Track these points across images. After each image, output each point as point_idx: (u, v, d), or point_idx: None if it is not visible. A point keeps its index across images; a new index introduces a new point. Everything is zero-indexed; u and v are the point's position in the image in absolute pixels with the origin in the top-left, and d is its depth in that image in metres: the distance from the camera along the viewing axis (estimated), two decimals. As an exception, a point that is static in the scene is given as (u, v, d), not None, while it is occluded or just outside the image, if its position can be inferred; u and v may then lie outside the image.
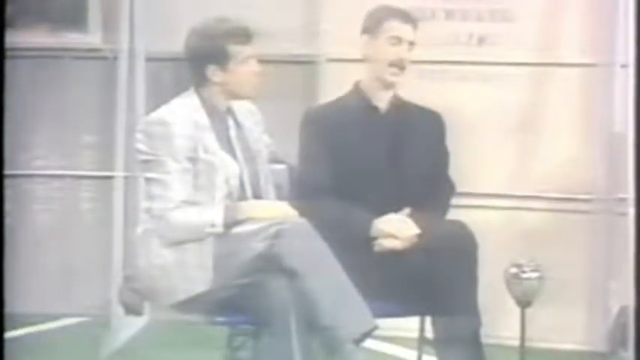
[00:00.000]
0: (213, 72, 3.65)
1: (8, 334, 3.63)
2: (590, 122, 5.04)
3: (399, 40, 3.94)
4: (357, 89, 4.03)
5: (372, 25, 3.99)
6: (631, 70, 4.56)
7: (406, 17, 3.98)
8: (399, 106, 4.04)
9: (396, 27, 3.95)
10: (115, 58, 5.25)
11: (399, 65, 3.95)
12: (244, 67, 3.67)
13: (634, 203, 4.00)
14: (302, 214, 3.57)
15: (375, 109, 4.00)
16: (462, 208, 4.12)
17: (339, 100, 4.05)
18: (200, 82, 3.69)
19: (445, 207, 4.01)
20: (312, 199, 3.76)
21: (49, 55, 5.55)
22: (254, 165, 3.74)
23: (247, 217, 3.55)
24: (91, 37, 5.56)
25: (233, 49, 3.64)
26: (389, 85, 3.99)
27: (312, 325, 3.44)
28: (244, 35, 3.67)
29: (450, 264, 3.70)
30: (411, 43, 3.97)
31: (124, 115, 5.11)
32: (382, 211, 3.83)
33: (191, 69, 3.69)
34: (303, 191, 3.83)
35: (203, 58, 3.65)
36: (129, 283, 3.69)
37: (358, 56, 4.03)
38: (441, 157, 4.06)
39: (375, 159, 3.90)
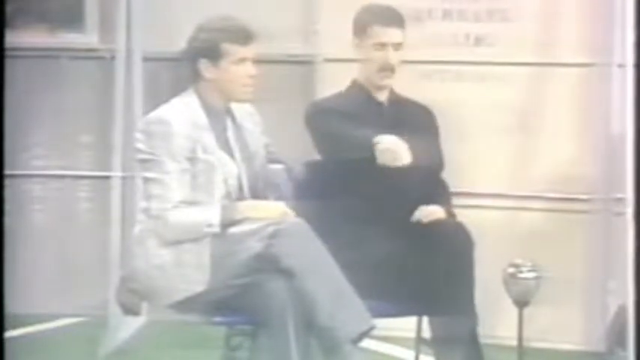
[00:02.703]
0: (205, 67, 3.65)
1: (6, 334, 3.62)
2: (588, 122, 5.04)
3: (383, 46, 3.94)
4: (356, 84, 4.04)
5: (358, 30, 3.99)
6: (630, 71, 4.56)
7: (390, 19, 3.96)
8: (397, 101, 4.06)
9: (380, 32, 3.94)
10: (113, 58, 5.24)
11: (388, 69, 3.96)
12: (239, 68, 3.67)
13: (633, 203, 3.99)
14: (299, 214, 3.57)
15: (379, 103, 4.02)
16: (460, 207, 4.12)
17: (341, 94, 4.06)
18: (195, 78, 3.69)
19: (450, 201, 4.02)
20: (323, 193, 3.78)
21: (47, 55, 5.55)
22: (252, 165, 3.75)
23: (244, 217, 3.56)
24: (89, 37, 5.55)
25: (228, 47, 3.64)
26: (381, 87, 4.00)
27: (309, 325, 3.44)
28: (243, 36, 3.66)
29: (447, 263, 3.71)
30: (398, 44, 3.96)
31: (121, 115, 5.10)
32: (384, 209, 3.85)
33: (186, 64, 3.70)
34: (315, 185, 3.84)
35: (197, 52, 3.66)
36: (126, 283, 3.69)
37: (355, 56, 4.05)
38: (439, 152, 4.07)
39: None
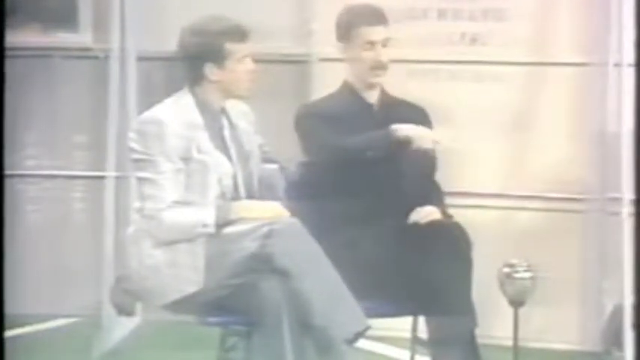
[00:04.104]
0: (211, 70, 3.64)
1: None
2: (583, 121, 5.04)
3: (372, 44, 3.94)
4: (347, 86, 4.03)
5: (342, 34, 3.99)
6: (627, 71, 4.56)
7: (374, 18, 3.96)
8: (389, 102, 4.06)
9: (366, 32, 3.94)
10: (106, 57, 5.23)
11: (379, 67, 3.96)
12: (240, 66, 3.66)
13: (634, 203, 3.98)
14: (294, 214, 3.56)
15: (369, 105, 4.01)
16: (455, 207, 4.11)
17: (331, 96, 4.06)
18: (196, 80, 3.68)
19: (443, 201, 4.02)
20: (318, 193, 3.78)
21: (40, 55, 5.53)
22: (247, 165, 3.74)
23: (239, 217, 3.55)
24: (82, 37, 5.54)
25: (230, 47, 3.64)
26: (373, 85, 4.00)
27: (304, 325, 3.43)
28: (241, 33, 3.66)
29: (444, 264, 3.70)
30: (386, 40, 3.96)
31: (115, 114, 5.09)
32: (379, 209, 3.84)
33: (187, 68, 3.68)
34: (309, 185, 3.83)
35: (200, 57, 3.64)
36: (121, 283, 3.67)
37: (344, 59, 4.04)
38: (432, 153, 4.06)
39: None
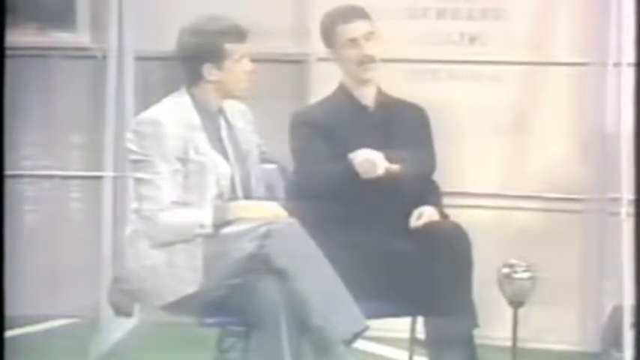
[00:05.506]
0: (209, 70, 3.63)
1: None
2: (582, 121, 5.03)
3: (354, 41, 3.93)
4: (342, 88, 4.02)
5: (327, 39, 4.00)
6: (627, 70, 4.55)
7: (350, 15, 3.95)
8: (386, 102, 4.04)
9: (346, 29, 3.94)
10: (104, 57, 5.22)
11: (368, 61, 3.94)
12: (239, 66, 3.66)
13: (633, 203, 3.98)
14: (292, 214, 3.55)
15: (364, 107, 4.00)
16: (453, 207, 4.10)
17: (326, 100, 4.05)
18: (194, 81, 3.67)
19: (441, 202, 4.01)
20: (308, 200, 3.76)
21: (38, 55, 5.52)
22: (245, 165, 3.73)
23: (237, 217, 3.54)
24: (80, 36, 5.53)
25: (229, 47, 3.64)
26: (367, 81, 3.98)
27: (302, 325, 3.43)
28: (239, 33, 3.66)
29: (443, 264, 3.69)
30: (368, 34, 3.94)
31: (113, 114, 5.08)
32: (378, 210, 3.82)
33: (185, 68, 3.67)
34: (299, 192, 3.82)
35: (199, 57, 3.64)
36: (118, 284, 3.67)
37: (336, 63, 4.03)
38: (429, 153, 4.05)
39: None
